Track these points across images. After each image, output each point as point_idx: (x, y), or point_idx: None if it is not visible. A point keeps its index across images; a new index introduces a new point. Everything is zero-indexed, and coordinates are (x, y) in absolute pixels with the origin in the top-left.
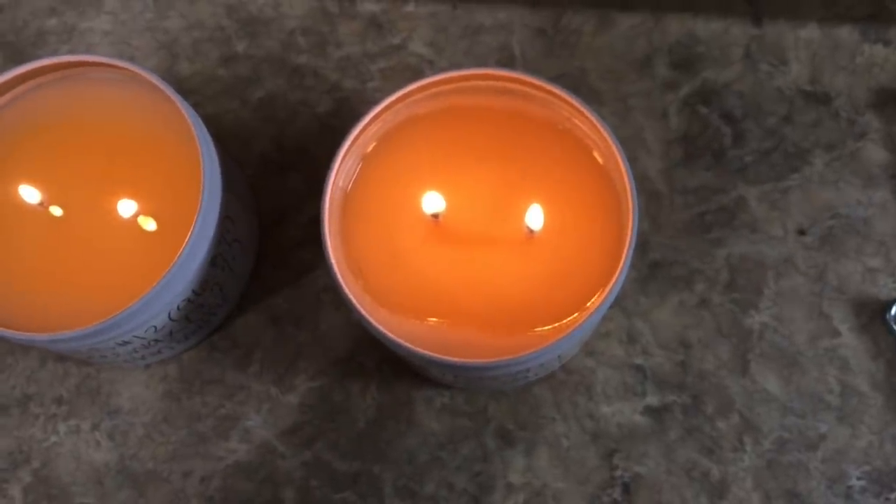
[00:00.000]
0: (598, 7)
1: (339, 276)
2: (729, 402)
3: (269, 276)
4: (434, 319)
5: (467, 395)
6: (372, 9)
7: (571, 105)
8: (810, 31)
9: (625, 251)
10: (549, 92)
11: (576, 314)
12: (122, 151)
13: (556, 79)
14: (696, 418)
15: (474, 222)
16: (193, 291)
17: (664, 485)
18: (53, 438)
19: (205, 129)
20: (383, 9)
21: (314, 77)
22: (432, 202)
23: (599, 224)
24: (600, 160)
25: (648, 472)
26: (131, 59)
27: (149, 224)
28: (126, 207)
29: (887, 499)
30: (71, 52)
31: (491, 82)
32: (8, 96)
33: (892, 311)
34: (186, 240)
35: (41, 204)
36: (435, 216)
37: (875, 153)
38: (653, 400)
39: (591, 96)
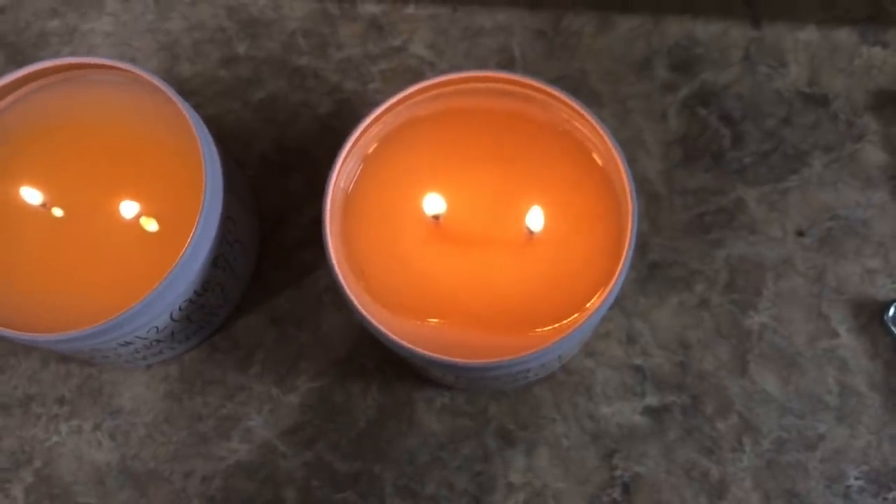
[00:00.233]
0: (597, 9)
1: (340, 276)
2: (728, 403)
3: (270, 276)
4: (435, 320)
5: (468, 395)
6: (372, 10)
7: (571, 107)
8: (809, 34)
9: (624, 252)
10: (549, 94)
11: (576, 315)
12: (123, 153)
13: (555, 81)
14: (695, 419)
15: (475, 223)
16: (195, 292)
17: (664, 485)
18: (55, 438)
19: (206, 130)
20: (384, 11)
21: (315, 78)
22: (433, 203)
23: (599, 225)
24: (600, 162)
25: (648, 472)
26: (132, 61)
27: (150, 225)
28: (128, 208)
29: (885, 498)
30: (72, 53)
31: (491, 84)
32: (10, 98)
33: (891, 312)
34: (188, 240)
35: (43, 205)
36: (436, 217)
37: (873, 155)
38: (652, 400)
39: (590, 98)
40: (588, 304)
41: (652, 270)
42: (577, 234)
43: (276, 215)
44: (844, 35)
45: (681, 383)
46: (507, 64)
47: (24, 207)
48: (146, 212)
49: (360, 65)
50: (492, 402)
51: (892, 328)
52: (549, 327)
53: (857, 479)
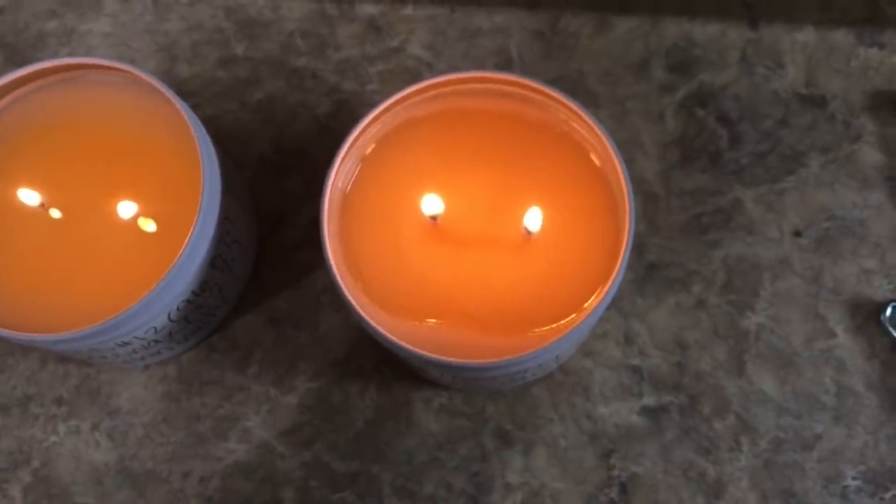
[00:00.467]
0: (595, 10)
1: (338, 277)
2: (725, 403)
3: (268, 277)
4: (432, 320)
5: (465, 395)
6: (371, 11)
7: (569, 108)
8: (806, 35)
9: (622, 253)
10: (547, 95)
11: (573, 315)
12: (121, 153)
13: (553, 81)
14: (692, 419)
15: (472, 224)
16: (193, 292)
17: (661, 485)
18: (53, 438)
19: (204, 131)
20: (382, 11)
21: (313, 79)
22: (431, 204)
23: (596, 226)
24: (597, 162)
25: (645, 472)
26: (131, 62)
27: (148, 225)
28: (126, 209)
29: (882, 498)
30: (71, 54)
31: (489, 85)
32: (8, 98)
33: (888, 313)
34: (186, 241)
35: (41, 206)
36: (433, 218)
37: (870, 155)
38: (650, 400)
39: (588, 99)
40: (585, 305)
41: (649, 271)
42: (574, 235)
43: (274, 216)
44: (841, 36)
45: (678, 383)
46: (505, 65)
47: (23, 208)
48: (144, 212)
49: (358, 65)
50: (489, 402)
51: (889, 328)
52: (547, 327)
53: (854, 479)
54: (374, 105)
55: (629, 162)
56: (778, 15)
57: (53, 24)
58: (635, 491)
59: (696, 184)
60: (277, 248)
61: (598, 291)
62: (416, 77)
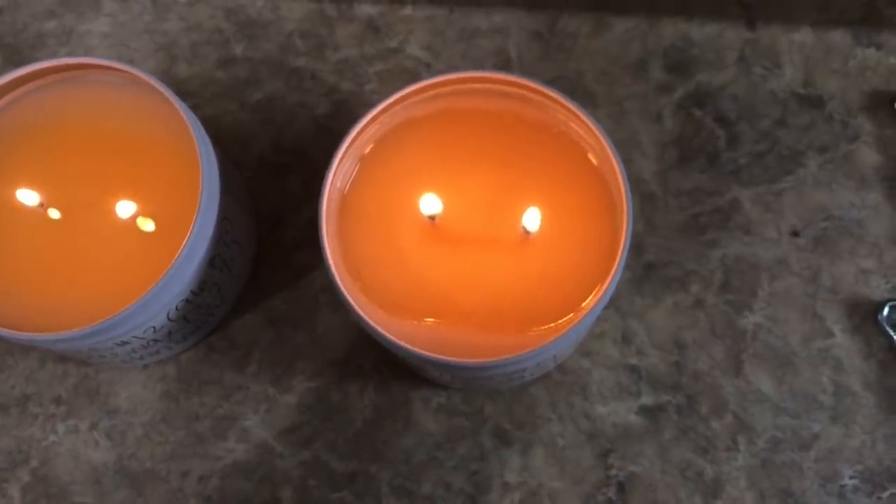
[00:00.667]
0: (593, 11)
1: (336, 277)
2: (723, 402)
3: (267, 277)
4: (431, 320)
5: (464, 395)
6: (369, 12)
7: (567, 108)
8: (804, 35)
9: (619, 252)
10: (545, 95)
11: (571, 314)
12: (120, 153)
13: (551, 81)
14: (690, 418)
15: (471, 223)
16: (192, 292)
17: (659, 484)
18: (52, 438)
19: (203, 131)
20: (380, 12)
21: (312, 79)
22: (429, 204)
23: (594, 225)
24: (595, 162)
25: (643, 471)
26: (130, 62)
27: (147, 225)
28: (125, 209)
29: (879, 498)
30: (69, 54)
31: (487, 85)
32: (7, 98)
33: (885, 312)
34: (185, 240)
35: (40, 205)
36: (432, 217)
37: (868, 156)
38: (647, 400)
39: (586, 99)
40: (583, 304)
41: (647, 271)
42: (572, 235)
43: (273, 216)
44: (839, 36)
45: (676, 383)
46: (504, 65)
47: (21, 207)
48: (143, 212)
49: (356, 66)
50: (488, 401)
51: (887, 328)
52: (545, 327)
53: (851, 478)
54: (372, 105)
55: (627, 162)
56: (775, 15)
57: (52, 24)
58: (633, 490)
59: (694, 184)
60: (276, 247)
61: (595, 291)
62: (414, 77)
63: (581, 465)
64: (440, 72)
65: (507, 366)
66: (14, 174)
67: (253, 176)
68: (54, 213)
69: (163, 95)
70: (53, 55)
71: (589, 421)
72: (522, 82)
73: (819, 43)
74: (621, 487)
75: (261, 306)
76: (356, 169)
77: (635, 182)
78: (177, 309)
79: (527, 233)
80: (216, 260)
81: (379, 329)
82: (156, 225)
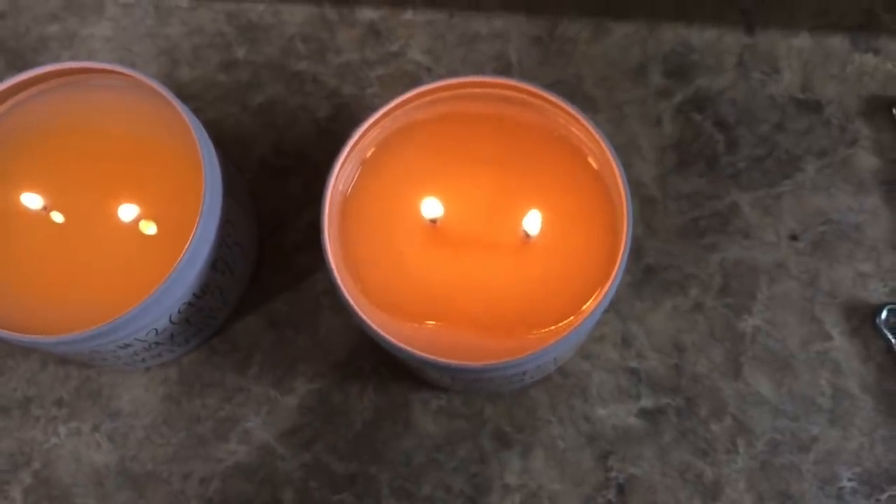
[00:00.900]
0: (593, 16)
1: (338, 279)
2: (722, 405)
3: (268, 279)
4: (431, 322)
5: (464, 397)
6: (371, 16)
7: (567, 112)
8: (802, 40)
9: (619, 255)
10: (546, 99)
11: (571, 317)
12: (123, 156)
13: (551, 86)
14: (689, 421)
15: (471, 227)
16: (194, 294)
17: (658, 486)
18: (54, 440)
19: (206, 135)
20: (382, 16)
21: (313, 83)
22: (431, 207)
23: (594, 229)
24: (595, 166)
25: (643, 473)
26: (132, 65)
27: (150, 228)
28: (127, 212)
29: (878, 500)
30: (72, 58)
31: (488, 90)
32: (10, 102)
33: (883, 316)
34: (188, 243)
35: (44, 209)
36: (433, 221)
37: (866, 160)
38: (647, 402)
39: (586, 103)
40: (584, 307)
41: (647, 274)
42: (572, 238)
43: (274, 218)
44: (837, 42)
45: (675, 386)
46: (504, 69)
47: (25, 211)
48: (146, 215)
49: (358, 70)
50: (488, 404)
51: (885, 331)
52: (545, 330)
53: (850, 480)
54: (374, 109)
55: (627, 166)
56: (774, 20)
57: (55, 28)
58: (633, 492)
59: (694, 188)
60: (278, 250)
61: (596, 294)
62: (415, 81)
63: (581, 467)
64: (441, 76)
65: (508, 368)
66: (18, 178)
67: (254, 178)
68: (57, 217)
69: (165, 99)
70: (56, 59)
71: (589, 423)
72: (523, 87)
73: (817, 48)
74: (621, 489)
75: (262, 309)
76: (358, 172)
77: (635, 186)
78: (179, 312)
79: (527, 236)
80: (218, 263)
81: (380, 331)
82: (158, 228)
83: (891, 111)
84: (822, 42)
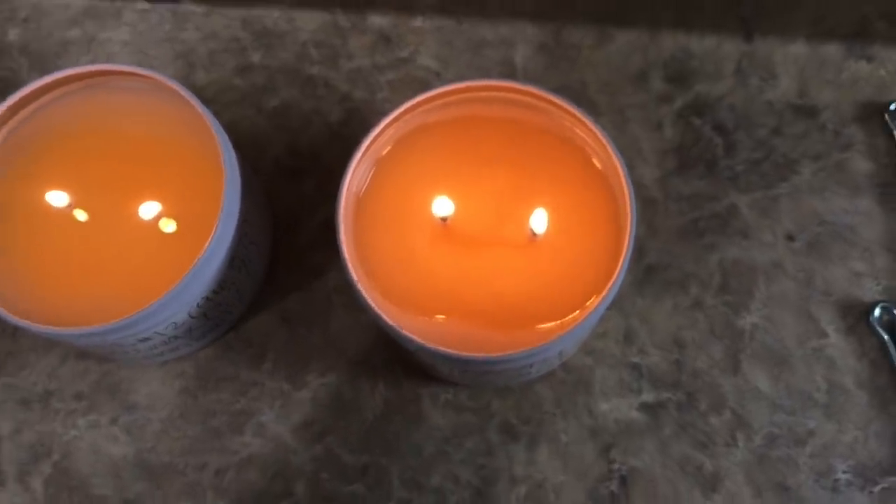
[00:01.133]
0: (596, 23)
1: (353, 275)
2: (721, 400)
3: (282, 278)
4: (442, 317)
5: (472, 391)
6: (381, 23)
7: (572, 115)
8: (798, 48)
9: (623, 253)
10: (552, 103)
11: (576, 312)
12: (144, 157)
13: (556, 91)
14: (689, 415)
15: (480, 225)
16: (213, 290)
17: (659, 478)
18: (73, 433)
19: (226, 136)
20: (392, 23)
21: (326, 87)
22: (441, 206)
23: (598, 228)
24: (600, 167)
25: (644, 466)
26: (150, 69)
27: (169, 226)
28: (148, 210)
29: (871, 492)
30: (92, 61)
31: (497, 93)
32: (35, 105)
33: (876, 314)
34: (208, 241)
35: (68, 206)
36: (444, 219)
37: (860, 163)
38: (648, 397)
39: (589, 108)
40: (588, 303)
41: (648, 273)
42: (577, 236)
43: (288, 218)
44: (832, 49)
45: (676, 381)
46: (510, 74)
47: (49, 209)
48: (166, 213)
49: (369, 75)
50: (495, 398)
51: (878, 329)
52: (551, 324)
53: (844, 472)
54: (384, 113)
55: (629, 168)
56: (772, 28)
57: (75, 32)
58: (634, 484)
59: (694, 190)
60: (291, 249)
61: (600, 291)
62: (424, 86)
63: (584, 459)
64: (449, 81)
65: (516, 360)
66: (43, 177)
67: (269, 179)
68: (80, 215)
69: (186, 101)
70: (76, 62)
71: (592, 417)
72: (530, 90)
73: (813, 55)
74: (623, 481)
75: (276, 306)
76: (371, 172)
77: (636, 187)
78: (198, 306)
79: (534, 234)
80: (236, 260)
81: (394, 325)
82: (177, 226)
83: (884, 117)
84: (817, 49)
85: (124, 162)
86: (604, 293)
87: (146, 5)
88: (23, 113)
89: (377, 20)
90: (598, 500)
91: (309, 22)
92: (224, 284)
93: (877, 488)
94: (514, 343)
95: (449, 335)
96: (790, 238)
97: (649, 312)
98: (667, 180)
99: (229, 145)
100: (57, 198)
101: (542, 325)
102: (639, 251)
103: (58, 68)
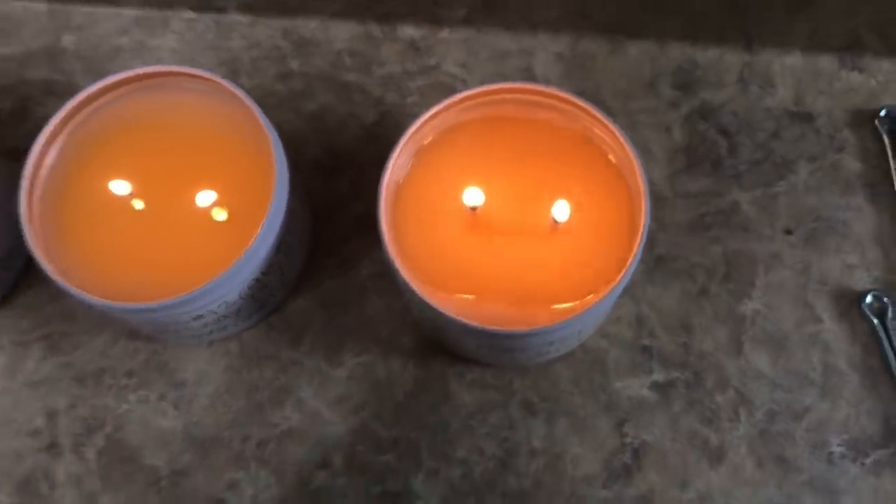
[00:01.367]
0: (610, 35)
1: (393, 257)
2: (725, 379)
3: (320, 265)
4: (470, 297)
5: (495, 371)
6: (411, 34)
7: (592, 115)
8: (795, 59)
9: (638, 239)
10: (574, 104)
11: (592, 295)
12: (198, 151)
13: None
14: (696, 393)
15: (507, 214)
16: (262, 273)
17: (669, 451)
18: (125, 407)
19: (276, 135)
20: (421, 34)
21: (360, 92)
22: (472, 196)
23: (614, 219)
24: (616, 163)
25: (655, 439)
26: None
27: (221, 215)
28: (203, 198)
29: (863, 463)
30: (142, 66)
31: (524, 95)
32: (100, 101)
33: (867, 301)
34: (260, 226)
35: (129, 195)
36: (473, 208)
37: (851, 164)
38: (658, 376)
39: (603, 112)
40: (603, 288)
41: (658, 263)
42: (594, 227)
43: (325, 212)
44: (826, 61)
45: (684, 362)
46: (530, 81)
47: (112, 196)
48: (218, 203)
49: (399, 81)
50: (516, 377)
51: (869, 315)
52: (570, 304)
53: (838, 445)
54: (414, 115)
55: None
56: (770, 41)
57: (125, 39)
58: (646, 456)
59: (700, 187)
60: (328, 240)
61: (614, 277)
62: (451, 91)
63: (599, 433)
64: (473, 87)
65: (537, 335)
66: (107, 167)
67: (308, 177)
68: (139, 203)
69: (241, 102)
70: (127, 67)
71: (606, 395)
72: (554, 93)
73: (808, 66)
74: (636, 453)
75: (314, 292)
76: (409, 165)
77: None
78: (248, 287)
79: (555, 223)
80: (282, 246)
81: (430, 301)
82: (228, 215)
83: (874, 122)
84: (812, 61)
85: (180, 155)
86: (619, 278)
87: (193, 15)
88: (89, 109)
89: (407, 31)
90: (613, 471)
91: (344, 32)
92: (270, 268)
93: (868, 460)
94: (536, 322)
95: (477, 313)
96: (788, 232)
97: (659, 299)
98: (675, 178)
99: (279, 143)
100: (119, 186)
101: (561, 306)
102: (649, 243)
103: (109, 72)
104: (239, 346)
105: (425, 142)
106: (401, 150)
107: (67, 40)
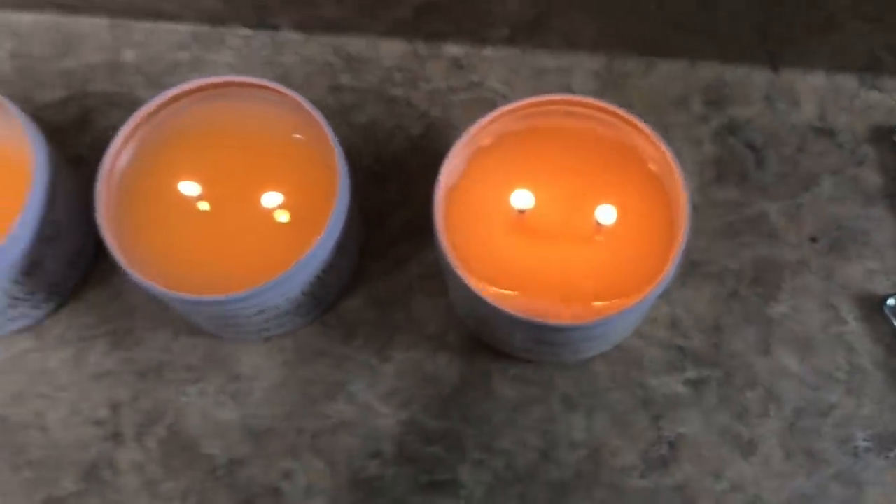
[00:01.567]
0: (643, 54)
1: (448, 254)
2: (755, 377)
3: (371, 267)
4: (516, 293)
5: (536, 367)
6: (455, 52)
7: (635, 125)
8: (818, 78)
9: (676, 248)
10: (618, 115)
11: (631, 297)
12: (263, 156)
13: None
14: (728, 390)
15: (553, 218)
16: (322, 271)
17: (703, 443)
18: (184, 399)
19: (339, 144)
20: (465, 52)
21: (407, 106)
22: (521, 199)
23: (653, 225)
24: (656, 172)
25: (689, 433)
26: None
27: (283, 217)
28: (268, 200)
29: (887, 456)
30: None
31: (572, 107)
32: (171, 108)
33: (889, 304)
34: (325, 227)
35: (197, 196)
36: (521, 211)
37: (872, 177)
38: (692, 374)
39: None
40: (642, 290)
41: (691, 267)
42: (634, 233)
43: (375, 217)
44: (847, 80)
45: (715, 361)
46: None
47: (182, 197)
48: (281, 205)
49: (444, 96)
50: (557, 373)
51: (890, 317)
52: (610, 302)
53: (864, 440)
54: (459, 129)
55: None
56: (795, 62)
57: (184, 54)
58: (681, 448)
59: (729, 197)
60: (378, 243)
61: (653, 280)
62: (492, 106)
63: (637, 426)
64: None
65: (580, 330)
66: (177, 170)
67: (360, 184)
68: (205, 204)
69: (306, 111)
70: (187, 80)
71: (643, 390)
72: (598, 104)
73: (830, 85)
74: (672, 445)
75: (365, 291)
76: (461, 170)
77: None
78: (309, 284)
79: (599, 226)
80: (342, 247)
81: (480, 294)
82: (290, 217)
83: (892, 138)
84: (834, 80)
85: (244, 160)
86: (659, 281)
87: (249, 32)
88: (158, 116)
89: (452, 49)
90: (650, 462)
91: (392, 50)
92: (330, 268)
93: (892, 454)
94: (578, 319)
95: (522, 309)
96: (813, 240)
97: (692, 301)
98: (706, 189)
99: (342, 151)
100: (188, 187)
101: (602, 303)
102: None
103: (169, 86)
104: (294, 343)
105: (478, 147)
106: (455, 155)
107: (128, 55)
